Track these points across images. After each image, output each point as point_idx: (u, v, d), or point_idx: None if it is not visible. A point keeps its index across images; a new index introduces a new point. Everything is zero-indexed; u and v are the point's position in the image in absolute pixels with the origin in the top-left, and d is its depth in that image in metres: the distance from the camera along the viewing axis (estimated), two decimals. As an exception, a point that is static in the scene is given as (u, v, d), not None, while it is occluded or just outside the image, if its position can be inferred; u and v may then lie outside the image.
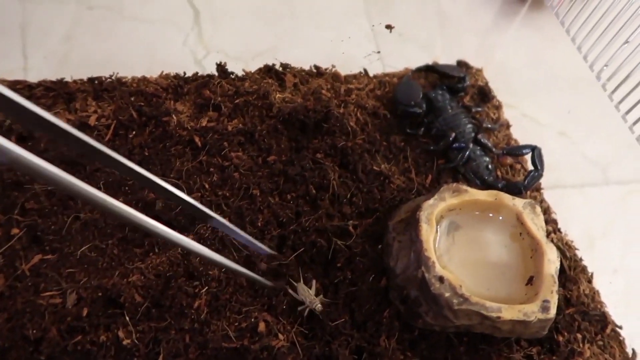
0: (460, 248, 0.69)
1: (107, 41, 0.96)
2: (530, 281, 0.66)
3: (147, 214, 0.73)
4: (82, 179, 0.74)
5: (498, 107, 0.95)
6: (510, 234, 0.70)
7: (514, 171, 0.87)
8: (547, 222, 0.81)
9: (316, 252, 0.72)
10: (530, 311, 0.61)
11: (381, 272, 0.71)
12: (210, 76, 0.87)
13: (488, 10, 1.20)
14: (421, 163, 0.85)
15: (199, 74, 0.88)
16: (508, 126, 0.93)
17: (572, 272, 0.75)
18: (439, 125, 0.86)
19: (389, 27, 1.01)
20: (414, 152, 0.86)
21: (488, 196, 0.70)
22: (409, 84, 0.91)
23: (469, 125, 0.85)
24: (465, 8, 1.21)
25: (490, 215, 0.70)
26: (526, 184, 0.80)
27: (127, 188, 0.74)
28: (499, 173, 0.86)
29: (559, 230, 0.82)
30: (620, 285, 0.82)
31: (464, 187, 0.70)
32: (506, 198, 0.70)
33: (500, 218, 0.70)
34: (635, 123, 0.75)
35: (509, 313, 0.60)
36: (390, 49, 1.07)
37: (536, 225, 0.68)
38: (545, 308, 0.61)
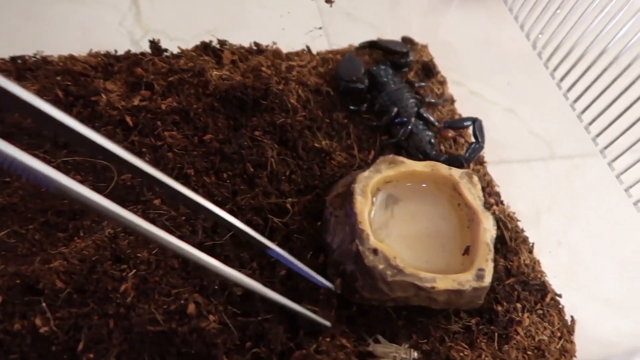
0: (399, 222, 0.68)
1: (38, 23, 0.91)
2: (467, 251, 0.65)
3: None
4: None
5: (442, 83, 0.94)
6: (447, 204, 0.69)
7: (457, 145, 0.86)
8: (489, 195, 0.81)
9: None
10: (464, 280, 0.60)
11: (319, 249, 0.69)
12: (143, 54, 0.83)
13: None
14: (364, 139, 0.83)
15: (131, 52, 0.84)
16: (452, 101, 0.92)
17: (513, 243, 0.75)
18: (381, 101, 0.85)
19: (328, 1, 0.98)
20: (357, 129, 0.84)
21: (425, 167, 0.69)
22: (351, 59, 0.89)
23: (412, 100, 0.84)
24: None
25: (425, 186, 0.69)
26: (467, 157, 0.79)
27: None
28: (442, 147, 0.85)
29: (501, 202, 0.81)
30: (564, 257, 0.83)
31: (400, 158, 0.69)
32: (443, 168, 0.69)
33: (438, 189, 0.69)
34: (576, 100, 0.75)
35: (443, 283, 0.59)
36: (337, 28, 1.05)
37: (473, 194, 0.67)
38: (479, 276, 0.61)
